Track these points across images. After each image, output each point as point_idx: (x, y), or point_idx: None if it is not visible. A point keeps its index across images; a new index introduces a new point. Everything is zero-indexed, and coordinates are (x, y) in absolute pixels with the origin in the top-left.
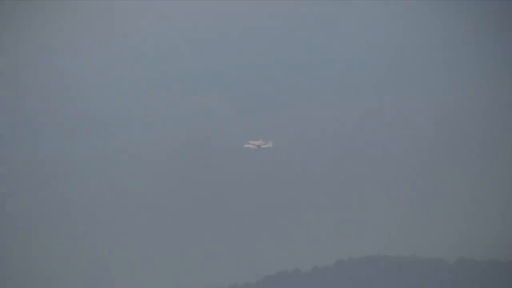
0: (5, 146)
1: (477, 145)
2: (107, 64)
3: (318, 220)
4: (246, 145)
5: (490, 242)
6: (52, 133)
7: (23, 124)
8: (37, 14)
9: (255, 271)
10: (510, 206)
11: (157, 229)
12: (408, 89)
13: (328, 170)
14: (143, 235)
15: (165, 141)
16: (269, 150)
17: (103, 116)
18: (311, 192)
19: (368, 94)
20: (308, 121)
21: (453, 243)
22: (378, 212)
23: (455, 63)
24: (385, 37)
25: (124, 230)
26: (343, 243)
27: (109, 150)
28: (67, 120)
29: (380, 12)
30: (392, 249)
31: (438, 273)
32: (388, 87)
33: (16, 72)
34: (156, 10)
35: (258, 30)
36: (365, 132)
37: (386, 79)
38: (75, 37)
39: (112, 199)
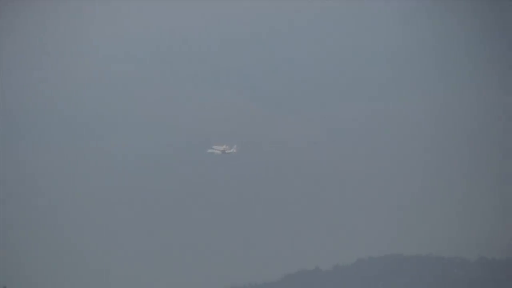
0: (4, 146)
1: (493, 141)
2: (106, 63)
3: (333, 219)
4: (209, 150)
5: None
6: (54, 133)
7: (22, 123)
8: (34, 14)
9: (275, 270)
10: None
11: (170, 231)
12: (409, 90)
13: (335, 170)
14: (153, 237)
15: (163, 142)
16: (234, 155)
17: (98, 116)
18: (324, 191)
19: (368, 95)
20: (290, 123)
21: (473, 241)
22: (395, 211)
23: (458, 63)
24: (387, 38)
25: (127, 232)
26: (362, 242)
27: (96, 151)
28: (71, 119)
29: (383, 13)
30: (411, 248)
31: (456, 272)
32: (385, 89)
33: (13, 72)
34: (159, 8)
35: (256, 30)
36: (370, 130)
37: (384, 80)
38: (78, 34)
39: (106, 201)
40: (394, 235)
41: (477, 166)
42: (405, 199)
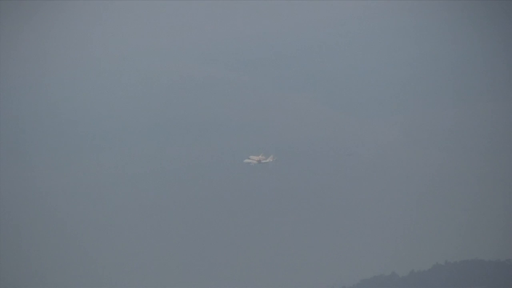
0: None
1: None
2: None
3: (408, 224)
4: (246, 160)
5: None
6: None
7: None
8: (32, 14)
9: (351, 275)
10: None
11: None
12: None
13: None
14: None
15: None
16: (270, 165)
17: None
18: (396, 194)
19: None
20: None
21: None
22: (471, 214)
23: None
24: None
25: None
26: (439, 246)
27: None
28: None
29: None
30: (488, 253)
31: None
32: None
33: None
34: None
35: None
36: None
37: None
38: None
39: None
40: (472, 240)
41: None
42: (479, 202)
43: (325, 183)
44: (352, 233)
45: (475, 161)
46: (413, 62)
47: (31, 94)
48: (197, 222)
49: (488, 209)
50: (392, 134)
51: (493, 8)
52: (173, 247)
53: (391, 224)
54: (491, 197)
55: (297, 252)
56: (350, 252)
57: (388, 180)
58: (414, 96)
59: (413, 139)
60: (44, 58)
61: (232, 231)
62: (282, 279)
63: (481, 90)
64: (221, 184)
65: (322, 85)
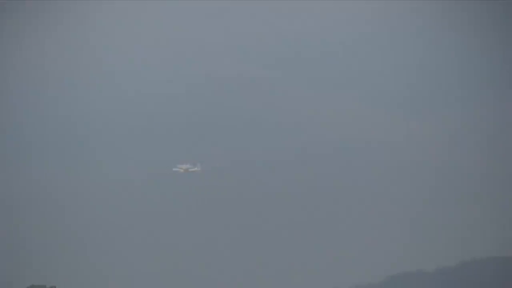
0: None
1: None
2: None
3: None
4: (174, 169)
5: None
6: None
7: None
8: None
9: (346, 279)
10: None
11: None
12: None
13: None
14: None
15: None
16: (198, 174)
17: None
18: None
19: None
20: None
21: None
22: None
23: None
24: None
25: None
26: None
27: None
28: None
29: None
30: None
31: None
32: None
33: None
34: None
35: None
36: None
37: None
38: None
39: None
40: (467, 243)
41: None
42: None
43: (346, 181)
44: (348, 238)
45: (489, 162)
46: (433, 61)
47: (32, 96)
48: (208, 224)
49: (489, 213)
50: (403, 135)
51: (503, 11)
52: (173, 248)
53: (392, 226)
54: (492, 202)
55: (294, 256)
56: (345, 258)
57: (392, 181)
58: (438, 97)
59: (441, 140)
60: (48, 60)
61: (238, 233)
62: (277, 283)
63: (489, 91)
64: (246, 184)
65: (357, 83)
